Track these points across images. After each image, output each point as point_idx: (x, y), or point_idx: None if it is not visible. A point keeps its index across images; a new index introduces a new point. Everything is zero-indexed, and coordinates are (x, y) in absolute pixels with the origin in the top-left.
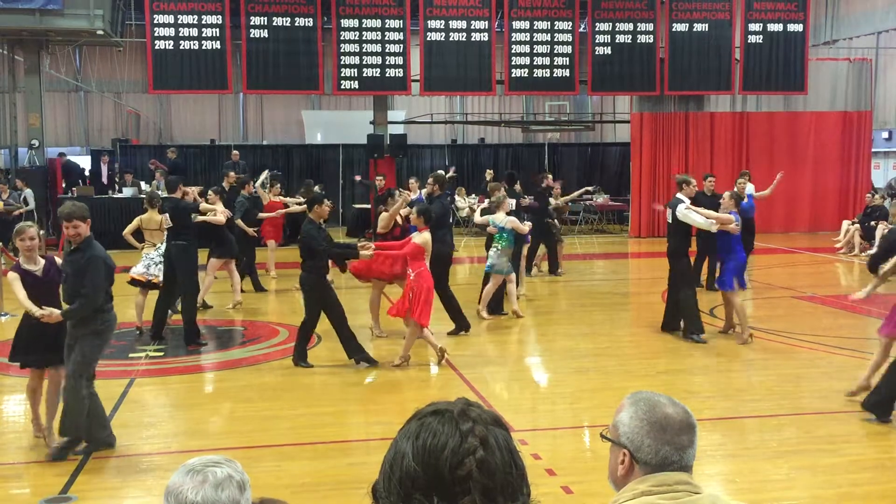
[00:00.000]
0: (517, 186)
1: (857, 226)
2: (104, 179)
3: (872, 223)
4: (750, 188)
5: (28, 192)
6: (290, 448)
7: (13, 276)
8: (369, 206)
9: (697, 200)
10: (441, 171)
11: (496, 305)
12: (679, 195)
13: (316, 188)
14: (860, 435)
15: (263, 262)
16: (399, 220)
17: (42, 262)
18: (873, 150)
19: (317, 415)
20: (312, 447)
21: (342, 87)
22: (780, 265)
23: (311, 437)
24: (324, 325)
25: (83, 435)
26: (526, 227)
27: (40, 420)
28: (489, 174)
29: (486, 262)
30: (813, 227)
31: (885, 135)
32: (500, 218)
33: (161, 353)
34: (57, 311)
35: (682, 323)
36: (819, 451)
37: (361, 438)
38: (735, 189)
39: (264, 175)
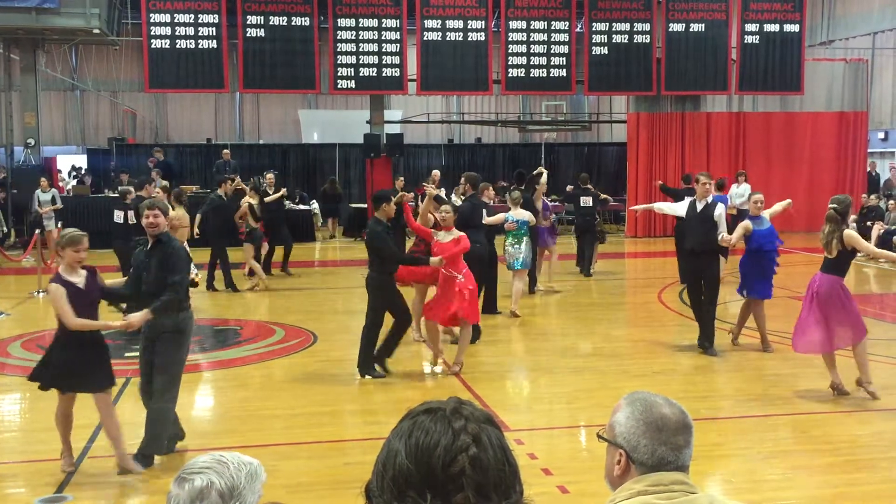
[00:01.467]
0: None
1: (854, 226)
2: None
3: (868, 223)
4: (746, 188)
5: (55, 192)
6: (286, 447)
7: (58, 291)
8: (365, 205)
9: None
10: (474, 173)
11: (493, 305)
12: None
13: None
14: (856, 435)
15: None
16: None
17: (84, 272)
18: (869, 150)
19: (312, 414)
20: (308, 446)
21: (339, 86)
22: None
23: (306, 436)
24: (325, 325)
25: (164, 451)
26: (532, 218)
27: (71, 449)
28: (542, 171)
29: (507, 260)
30: (809, 227)
31: (881, 135)
32: (520, 213)
33: None
34: (139, 314)
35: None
36: (815, 451)
37: (357, 438)
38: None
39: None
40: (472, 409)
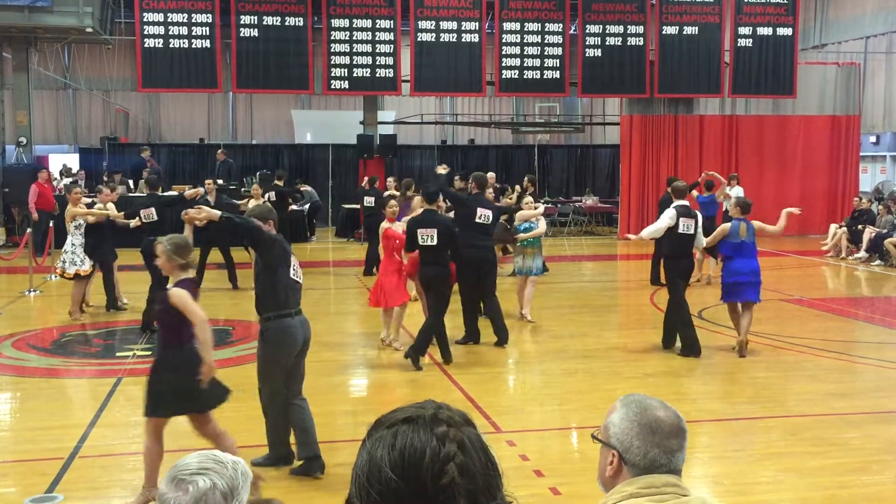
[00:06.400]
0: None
1: (845, 229)
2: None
3: (860, 227)
4: (738, 191)
5: None
6: None
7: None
8: (358, 206)
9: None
10: (481, 173)
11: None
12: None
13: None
14: (846, 437)
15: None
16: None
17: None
18: (861, 153)
19: None
20: None
21: (332, 86)
22: (767, 268)
23: None
24: (317, 326)
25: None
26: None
27: None
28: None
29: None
30: (801, 231)
31: (873, 139)
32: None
33: (149, 353)
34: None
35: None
36: (806, 453)
37: (349, 439)
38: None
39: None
40: (451, 413)
